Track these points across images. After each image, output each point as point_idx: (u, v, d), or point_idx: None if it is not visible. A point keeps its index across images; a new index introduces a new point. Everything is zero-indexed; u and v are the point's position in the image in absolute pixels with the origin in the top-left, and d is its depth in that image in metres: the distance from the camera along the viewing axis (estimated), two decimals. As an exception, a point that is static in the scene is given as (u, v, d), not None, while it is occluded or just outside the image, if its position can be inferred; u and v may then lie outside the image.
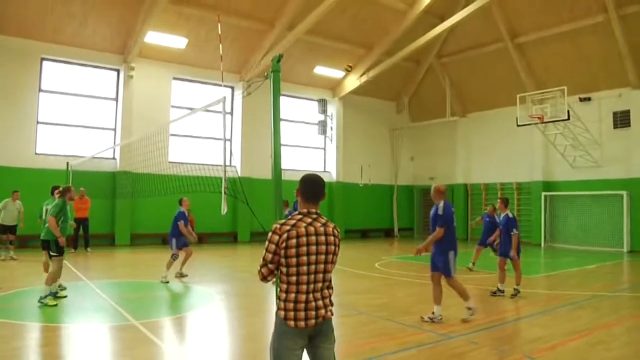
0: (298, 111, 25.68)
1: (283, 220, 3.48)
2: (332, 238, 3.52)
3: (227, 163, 7.10)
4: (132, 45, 19.97)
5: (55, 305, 8.66)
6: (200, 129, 22.18)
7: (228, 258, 17.74)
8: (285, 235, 3.38)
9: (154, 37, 20.06)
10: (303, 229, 3.41)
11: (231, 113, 23.22)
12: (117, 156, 20.33)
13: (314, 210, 3.55)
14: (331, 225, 3.58)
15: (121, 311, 8.52)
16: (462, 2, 22.58)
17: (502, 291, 10.22)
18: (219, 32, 14.99)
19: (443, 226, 7.98)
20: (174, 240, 12.18)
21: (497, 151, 25.53)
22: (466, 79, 26.22)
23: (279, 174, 5.01)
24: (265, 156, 21.74)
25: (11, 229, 15.40)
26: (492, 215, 13.89)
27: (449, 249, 8.03)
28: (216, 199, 7.38)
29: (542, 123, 20.63)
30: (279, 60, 5.04)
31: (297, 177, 3.71)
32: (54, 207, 9.23)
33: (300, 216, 3.50)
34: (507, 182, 25.24)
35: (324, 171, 26.46)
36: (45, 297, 8.72)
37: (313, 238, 3.42)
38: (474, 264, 14.10)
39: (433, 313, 7.91)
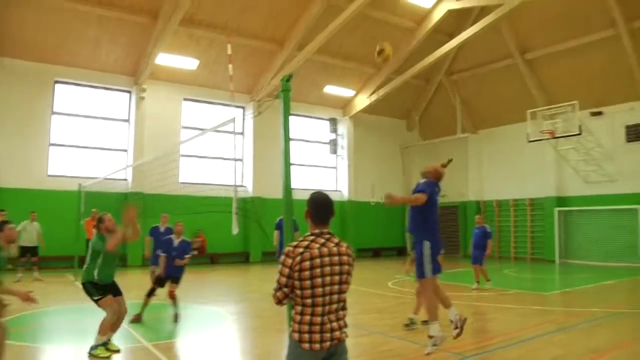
0: (309, 130, 25.73)
1: (295, 242, 3.42)
2: (345, 258, 3.45)
3: (238, 183, 7.06)
4: (144, 67, 20.19)
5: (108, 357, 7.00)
6: (212, 150, 22.23)
7: (239, 278, 17.63)
8: (298, 258, 3.32)
9: (166, 59, 20.29)
10: (316, 251, 3.35)
11: (242, 133, 23.34)
12: (129, 177, 20.43)
13: (326, 230, 3.49)
14: (344, 244, 3.51)
15: (132, 332, 8.46)
16: (470, 20, 22.66)
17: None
18: (229, 52, 15.09)
19: (426, 192, 6.98)
20: None
21: (509, 167, 25.33)
22: (476, 95, 26.17)
23: (289, 193, 4.95)
24: (277, 176, 21.89)
25: (31, 251, 15.45)
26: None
27: (425, 237, 7.00)
28: (227, 219, 7.36)
29: (553, 138, 20.58)
30: (288, 80, 5.03)
31: (307, 196, 3.65)
32: (91, 248, 7.35)
33: (312, 237, 3.44)
34: (520, 198, 25.03)
35: (336, 190, 26.41)
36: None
37: (327, 259, 3.36)
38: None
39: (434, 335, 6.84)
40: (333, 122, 25.89)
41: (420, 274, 6.99)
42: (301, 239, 3.45)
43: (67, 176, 19.39)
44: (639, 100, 20.77)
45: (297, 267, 3.31)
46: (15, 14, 17.75)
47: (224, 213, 8.42)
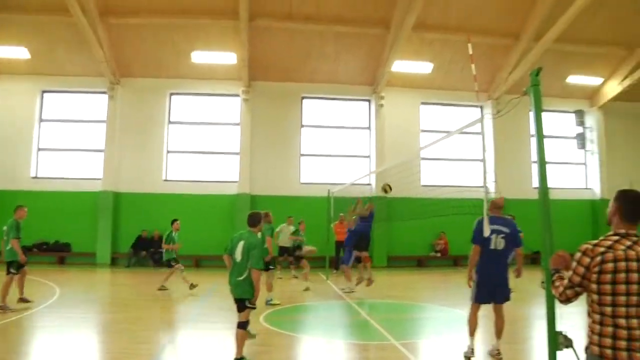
0: (552, 125, 23.93)
1: (595, 241, 3.14)
2: None
3: (482, 184, 6.98)
4: (381, 76, 20.98)
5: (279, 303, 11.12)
6: (450, 152, 22.07)
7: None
8: (599, 259, 3.04)
9: (401, 66, 20.80)
10: (622, 253, 3.02)
11: (482, 133, 22.76)
12: (373, 182, 21.36)
13: (632, 232, 3.14)
14: None
15: (380, 330, 8.85)
16: None
17: None
18: (470, 52, 14.96)
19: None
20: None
21: None
22: None
23: (546, 193, 4.75)
24: (519, 175, 21.03)
25: (288, 251, 17.13)
26: None
27: None
28: (470, 222, 7.27)
29: None
30: (537, 74, 4.86)
31: (555, 196, 3.43)
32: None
33: (617, 237, 3.12)
34: None
35: (586, 188, 24.32)
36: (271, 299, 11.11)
37: (634, 265, 2.99)
38: None
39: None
40: (580, 114, 23.75)
41: None
42: (602, 237, 3.17)
43: (318, 183, 21.04)
44: None
45: (596, 269, 3.04)
46: (262, 43, 19.93)
47: (468, 215, 8.31)
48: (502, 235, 6.90)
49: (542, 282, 4.73)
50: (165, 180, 21.33)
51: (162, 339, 8.32)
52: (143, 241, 20.32)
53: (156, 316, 10.45)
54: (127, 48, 20.26)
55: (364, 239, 13.03)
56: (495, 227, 6.83)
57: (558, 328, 4.22)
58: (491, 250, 6.87)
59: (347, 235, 13.68)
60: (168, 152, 21.61)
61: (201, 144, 21.78)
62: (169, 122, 21.76)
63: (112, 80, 20.80)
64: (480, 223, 6.88)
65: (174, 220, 13.98)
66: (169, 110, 21.81)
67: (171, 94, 21.86)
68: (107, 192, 20.54)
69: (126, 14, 19.08)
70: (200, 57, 20.22)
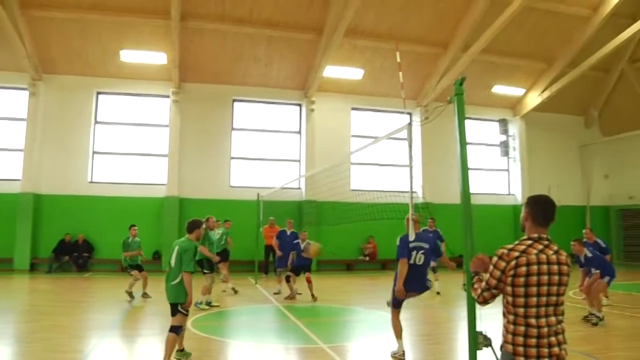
0: (478, 133, 24.88)
1: (511, 246, 3.26)
2: (565, 268, 3.23)
3: (411, 189, 7.15)
4: (312, 80, 21.10)
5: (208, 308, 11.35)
6: (379, 157, 22.46)
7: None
8: (513, 263, 3.17)
9: (332, 71, 21.01)
10: (534, 257, 3.16)
11: (409, 139, 23.23)
12: (303, 186, 21.42)
13: (545, 236, 3.30)
14: (564, 253, 3.29)
15: (309, 333, 8.89)
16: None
17: None
18: (398, 60, 15.23)
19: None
20: None
21: None
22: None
23: (467, 198, 4.89)
24: (446, 181, 21.64)
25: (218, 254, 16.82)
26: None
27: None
28: (399, 225, 7.48)
29: None
30: (461, 83, 4.98)
31: (479, 202, 3.57)
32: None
33: (530, 242, 3.26)
34: None
35: (509, 194, 25.32)
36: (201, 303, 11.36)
37: (545, 267, 3.15)
38: None
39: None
40: (503, 123, 24.72)
41: None
42: (517, 242, 3.29)
43: (247, 187, 20.90)
44: None
45: (511, 272, 3.16)
46: (193, 44, 19.66)
47: (396, 220, 8.48)
48: (422, 251, 7.26)
49: (464, 285, 4.89)
50: (91, 182, 20.57)
51: (85, 347, 8.01)
52: (66, 245, 19.53)
53: (78, 324, 9.99)
54: (51, 43, 19.39)
55: (307, 263, 13.22)
56: (416, 243, 7.16)
57: (478, 328, 4.38)
58: (411, 265, 7.17)
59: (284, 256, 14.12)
60: (94, 153, 20.84)
61: (129, 145, 21.16)
62: (96, 121, 20.99)
63: (34, 76, 19.84)
64: (402, 240, 7.21)
65: (131, 226, 13.34)
66: (96, 110, 21.03)
67: (98, 93, 21.11)
68: (26, 194, 19.55)
69: (50, 7, 18.17)
70: (129, 56, 19.69)
